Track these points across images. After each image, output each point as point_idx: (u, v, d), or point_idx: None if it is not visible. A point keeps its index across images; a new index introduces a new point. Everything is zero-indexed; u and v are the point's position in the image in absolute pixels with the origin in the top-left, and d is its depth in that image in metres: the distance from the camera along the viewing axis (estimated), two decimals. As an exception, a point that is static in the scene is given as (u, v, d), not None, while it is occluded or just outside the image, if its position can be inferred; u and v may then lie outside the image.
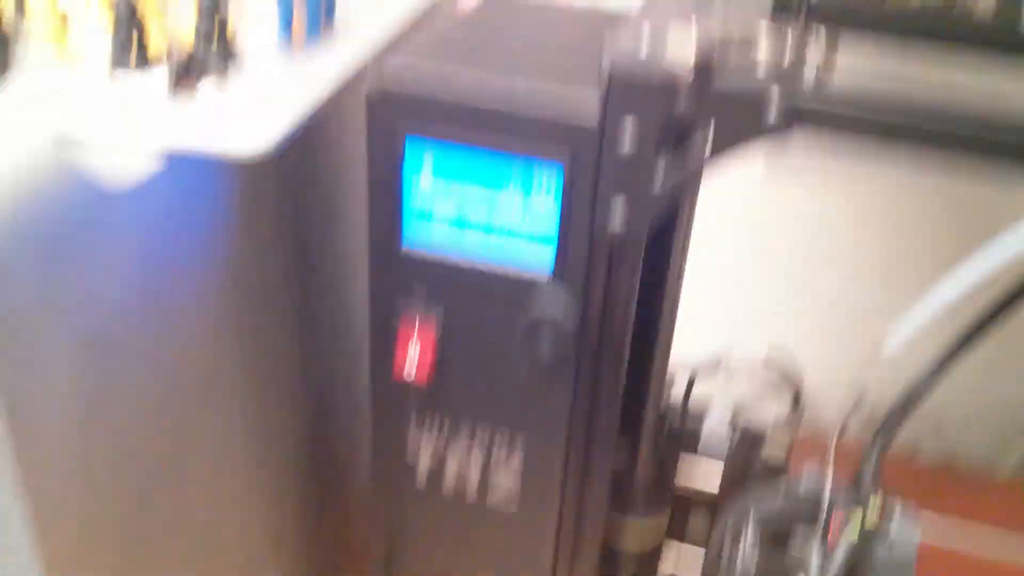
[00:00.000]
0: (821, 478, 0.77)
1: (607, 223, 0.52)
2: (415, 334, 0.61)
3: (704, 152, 0.48)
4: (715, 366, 1.26)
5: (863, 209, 1.19)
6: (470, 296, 0.59)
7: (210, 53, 0.52)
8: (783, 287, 1.27)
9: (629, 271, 0.57)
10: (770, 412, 1.32)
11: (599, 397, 0.62)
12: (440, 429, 0.66)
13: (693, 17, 0.51)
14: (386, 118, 0.54)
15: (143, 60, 0.52)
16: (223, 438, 0.63)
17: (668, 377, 0.94)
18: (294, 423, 0.72)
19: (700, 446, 0.98)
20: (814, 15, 0.63)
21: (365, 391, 0.64)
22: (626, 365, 0.64)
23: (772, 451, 0.96)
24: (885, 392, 1.24)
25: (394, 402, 0.65)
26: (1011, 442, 1.25)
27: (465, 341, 0.60)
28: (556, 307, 0.57)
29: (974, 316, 0.76)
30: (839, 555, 0.67)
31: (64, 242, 0.43)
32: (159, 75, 0.51)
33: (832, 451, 0.70)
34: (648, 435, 0.76)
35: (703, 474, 0.91)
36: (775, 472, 0.92)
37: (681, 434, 0.85)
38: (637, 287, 0.59)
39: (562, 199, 0.53)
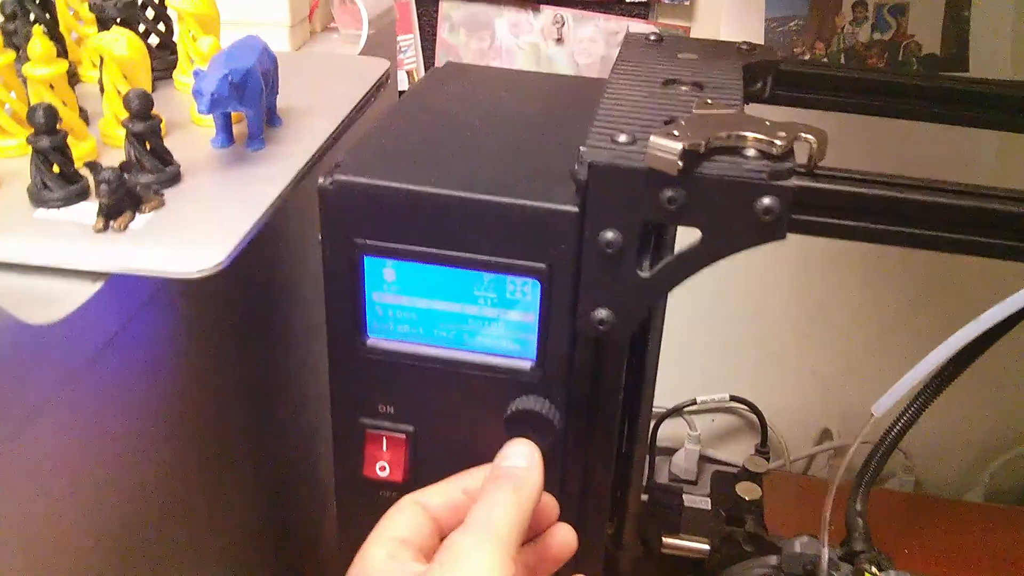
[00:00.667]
0: (814, 545, 0.74)
1: (590, 329, 0.48)
2: (383, 433, 0.56)
3: (696, 253, 0.45)
4: (680, 410, 1.25)
5: (821, 257, 1.19)
6: (443, 389, 0.54)
7: (143, 182, 0.47)
8: (741, 334, 1.26)
9: (614, 365, 0.53)
10: (735, 452, 1.31)
11: (588, 489, 0.58)
12: None
13: (668, 109, 0.48)
14: (341, 234, 0.49)
15: (68, 196, 0.47)
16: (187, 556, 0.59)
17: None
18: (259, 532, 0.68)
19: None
20: (778, 89, 0.62)
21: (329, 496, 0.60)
22: (615, 456, 0.61)
23: (746, 491, 0.93)
24: (848, 429, 1.24)
25: (363, 503, 0.59)
26: (978, 472, 1.25)
27: (442, 437, 0.56)
28: (540, 400, 0.53)
29: (948, 362, 0.75)
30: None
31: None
32: (87, 209, 0.46)
33: (827, 518, 0.67)
34: (632, 518, 0.73)
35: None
36: (753, 512, 0.88)
37: (665, 506, 0.81)
38: (623, 380, 0.56)
39: (540, 311, 0.49)
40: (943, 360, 0.57)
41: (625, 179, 0.44)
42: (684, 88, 0.53)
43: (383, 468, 0.57)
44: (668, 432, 1.25)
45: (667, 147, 0.41)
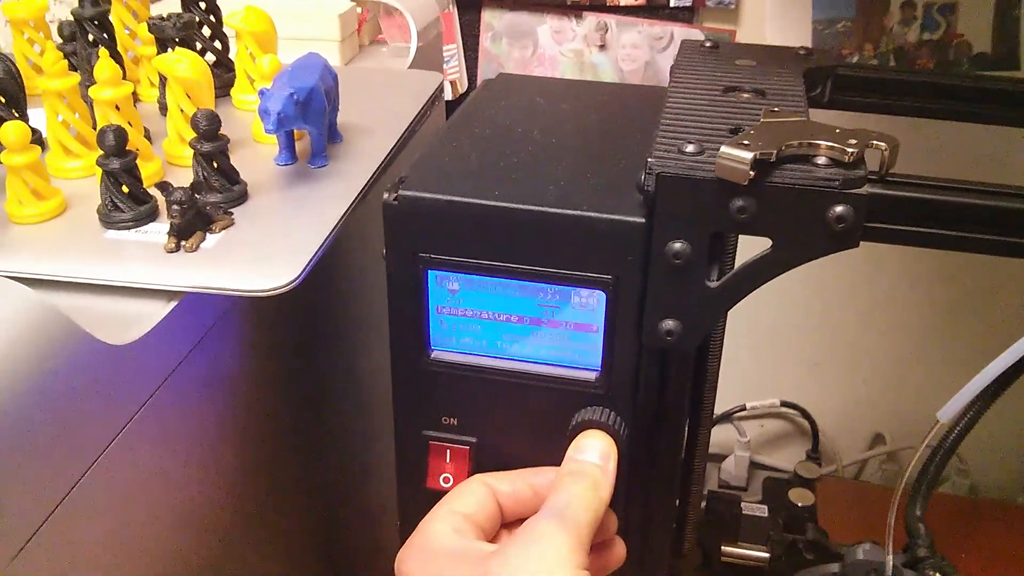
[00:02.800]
0: (878, 552, 0.74)
1: (657, 340, 0.48)
2: (447, 445, 0.56)
3: (766, 263, 0.45)
4: (730, 416, 1.24)
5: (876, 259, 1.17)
6: (507, 401, 0.54)
7: (212, 202, 0.47)
8: (789, 339, 1.25)
9: (681, 376, 0.53)
10: (784, 459, 1.30)
11: (653, 498, 0.58)
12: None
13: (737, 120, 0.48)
14: (405, 248, 0.50)
15: (138, 216, 0.47)
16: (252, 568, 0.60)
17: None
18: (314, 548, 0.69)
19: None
20: (835, 94, 0.62)
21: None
22: (679, 476, 0.61)
23: (799, 498, 0.92)
24: (901, 433, 1.22)
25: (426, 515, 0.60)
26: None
27: (505, 448, 0.55)
28: (605, 411, 0.52)
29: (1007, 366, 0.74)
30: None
31: (72, 400, 0.39)
32: (157, 230, 0.47)
33: (891, 524, 0.67)
34: (692, 527, 0.72)
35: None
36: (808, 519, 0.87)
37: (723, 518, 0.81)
38: (689, 390, 0.56)
39: (605, 322, 0.49)
40: (1007, 366, 0.57)
41: (694, 189, 0.43)
42: (746, 95, 0.52)
43: (447, 480, 0.57)
44: (717, 439, 1.24)
45: (738, 157, 0.41)
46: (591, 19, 1.10)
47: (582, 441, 0.49)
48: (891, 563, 0.69)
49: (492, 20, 1.13)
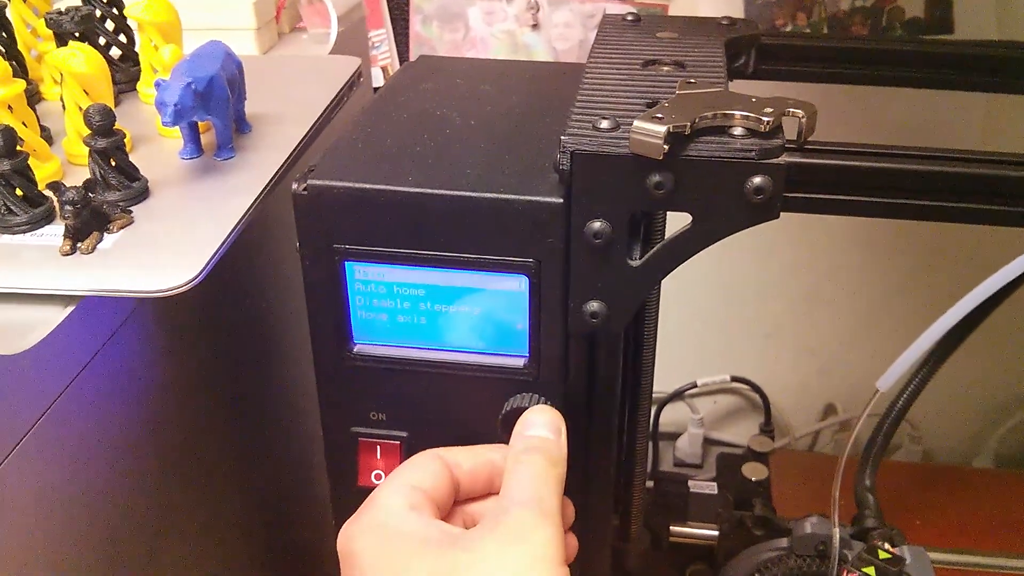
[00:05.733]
0: (825, 525, 0.73)
1: (583, 324, 0.47)
2: (377, 441, 0.55)
3: (687, 239, 0.43)
4: (682, 394, 1.24)
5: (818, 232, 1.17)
6: (436, 392, 0.52)
7: (109, 200, 0.45)
8: (738, 314, 1.24)
9: (610, 358, 0.52)
10: (739, 434, 1.30)
11: (591, 484, 0.57)
12: None
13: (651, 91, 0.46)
14: (319, 240, 0.48)
15: (33, 219, 0.45)
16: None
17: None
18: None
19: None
20: (762, 64, 0.61)
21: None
22: (615, 450, 0.59)
23: (753, 472, 0.92)
24: (852, 403, 1.23)
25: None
26: (986, 438, 1.24)
27: (437, 442, 0.54)
28: (535, 398, 0.51)
29: (950, 332, 0.73)
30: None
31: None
32: (53, 232, 0.44)
33: (836, 497, 0.66)
34: (638, 510, 0.72)
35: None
36: (760, 494, 0.87)
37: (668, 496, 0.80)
38: (619, 373, 0.55)
39: (530, 307, 0.48)
40: (945, 332, 0.56)
41: (609, 166, 0.42)
42: (665, 68, 0.51)
43: (379, 477, 0.55)
44: (670, 417, 1.24)
45: (651, 131, 0.40)
46: (522, -1, 1.08)
47: (530, 416, 0.46)
48: (838, 535, 0.68)
49: (422, 3, 1.10)
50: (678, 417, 1.25)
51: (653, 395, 0.87)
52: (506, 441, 0.48)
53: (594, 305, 0.47)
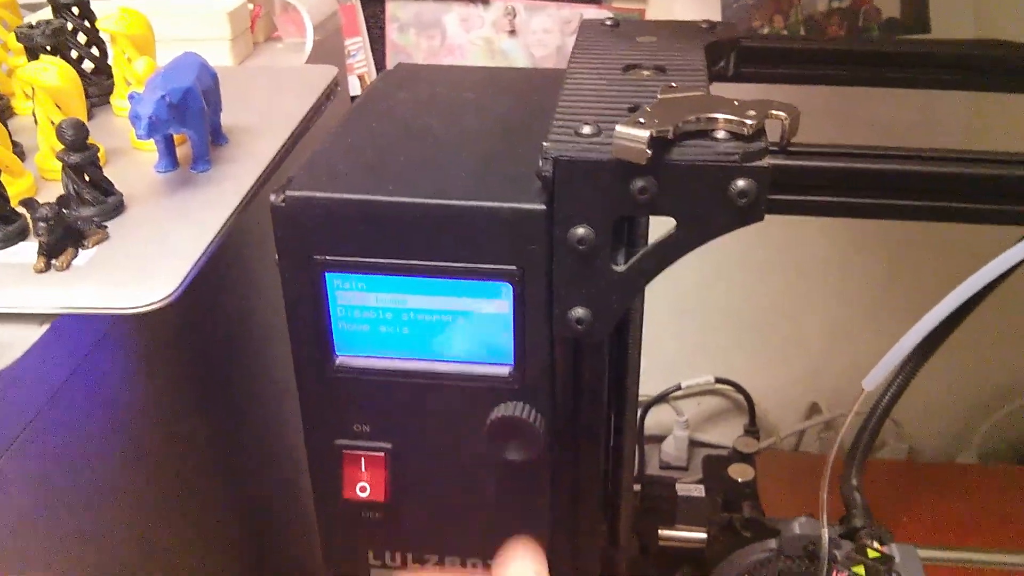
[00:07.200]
0: (813, 525, 0.73)
1: (568, 330, 0.46)
2: (361, 453, 0.54)
3: (672, 243, 0.43)
4: (666, 397, 1.24)
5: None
6: (420, 403, 0.52)
7: (84, 216, 0.44)
8: (721, 316, 1.25)
9: (596, 365, 0.52)
10: (724, 435, 1.30)
11: (579, 491, 0.56)
12: (403, 546, 0.58)
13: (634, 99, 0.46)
14: (298, 252, 0.47)
15: (6, 237, 0.44)
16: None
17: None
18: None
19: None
20: (742, 67, 0.60)
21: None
22: (603, 456, 0.59)
23: (739, 473, 0.91)
24: (836, 402, 1.23)
25: (345, 526, 0.57)
26: (970, 434, 1.25)
27: (422, 452, 0.53)
28: (521, 406, 0.50)
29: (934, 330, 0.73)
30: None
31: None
32: (27, 249, 0.44)
33: (823, 498, 0.66)
34: (626, 515, 0.71)
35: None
36: (748, 495, 0.87)
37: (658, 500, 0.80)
38: (606, 379, 0.54)
39: (514, 315, 0.47)
40: (929, 330, 0.56)
41: (592, 172, 0.42)
42: (646, 73, 0.51)
43: (363, 489, 0.54)
44: (655, 420, 1.24)
45: (634, 136, 0.39)
46: (498, 5, 1.08)
47: (512, 568, 0.47)
48: (826, 536, 0.68)
49: (397, 11, 1.10)
50: (663, 420, 1.25)
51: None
52: (492, 452, 0.48)
53: (579, 311, 0.46)
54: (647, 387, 1.21)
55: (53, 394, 0.43)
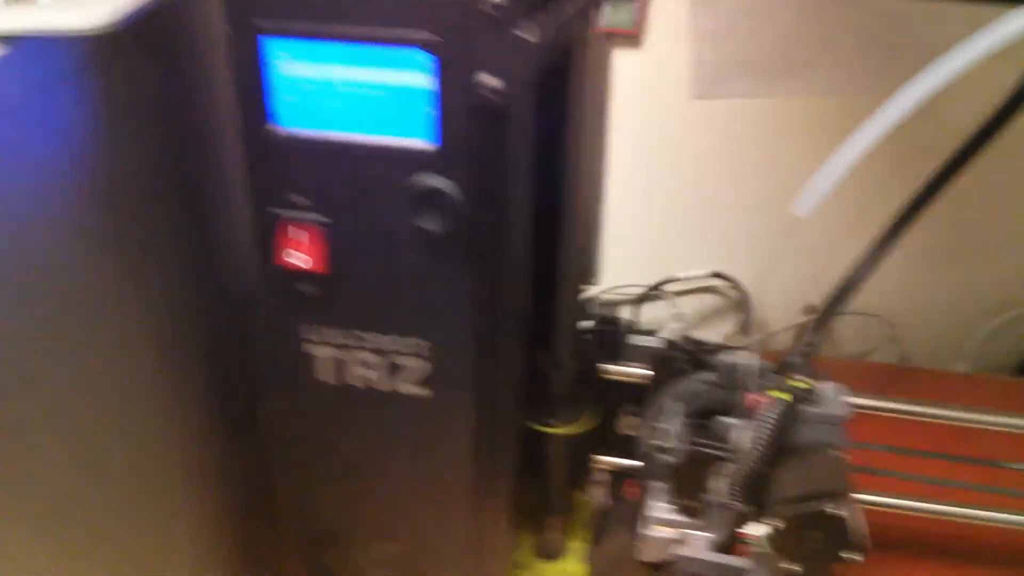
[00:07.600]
0: (752, 358, 0.76)
1: (488, 86, 0.51)
2: (299, 219, 0.59)
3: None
4: (660, 287, 1.26)
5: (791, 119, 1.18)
6: (352, 172, 0.57)
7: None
8: (720, 213, 1.26)
9: (520, 132, 0.56)
10: (720, 333, 1.32)
11: (504, 271, 0.61)
12: (338, 319, 0.64)
13: None
14: (243, 18, 0.53)
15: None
16: (120, 354, 0.62)
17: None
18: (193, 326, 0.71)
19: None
20: None
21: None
22: (530, 237, 0.63)
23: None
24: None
25: (284, 298, 0.63)
26: (966, 342, 1.25)
27: (353, 221, 0.59)
28: (443, 177, 0.55)
29: (905, 200, 0.76)
30: (769, 413, 0.66)
31: None
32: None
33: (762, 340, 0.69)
34: (567, 339, 0.75)
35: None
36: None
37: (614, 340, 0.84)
38: (528, 159, 0.58)
39: (437, 86, 0.52)
40: (867, 143, 0.58)
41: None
42: None
43: (300, 258, 0.60)
44: (650, 316, 1.26)
45: None
46: None
47: None
48: (756, 365, 0.72)
49: None
50: (660, 316, 1.27)
51: (633, 287, 0.88)
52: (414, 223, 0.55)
53: (494, 81, 0.51)
54: (645, 279, 1.23)
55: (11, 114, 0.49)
